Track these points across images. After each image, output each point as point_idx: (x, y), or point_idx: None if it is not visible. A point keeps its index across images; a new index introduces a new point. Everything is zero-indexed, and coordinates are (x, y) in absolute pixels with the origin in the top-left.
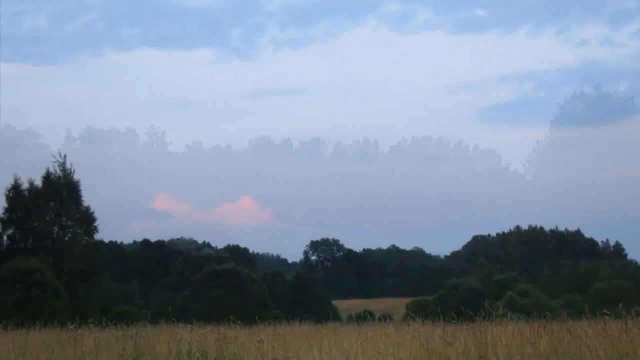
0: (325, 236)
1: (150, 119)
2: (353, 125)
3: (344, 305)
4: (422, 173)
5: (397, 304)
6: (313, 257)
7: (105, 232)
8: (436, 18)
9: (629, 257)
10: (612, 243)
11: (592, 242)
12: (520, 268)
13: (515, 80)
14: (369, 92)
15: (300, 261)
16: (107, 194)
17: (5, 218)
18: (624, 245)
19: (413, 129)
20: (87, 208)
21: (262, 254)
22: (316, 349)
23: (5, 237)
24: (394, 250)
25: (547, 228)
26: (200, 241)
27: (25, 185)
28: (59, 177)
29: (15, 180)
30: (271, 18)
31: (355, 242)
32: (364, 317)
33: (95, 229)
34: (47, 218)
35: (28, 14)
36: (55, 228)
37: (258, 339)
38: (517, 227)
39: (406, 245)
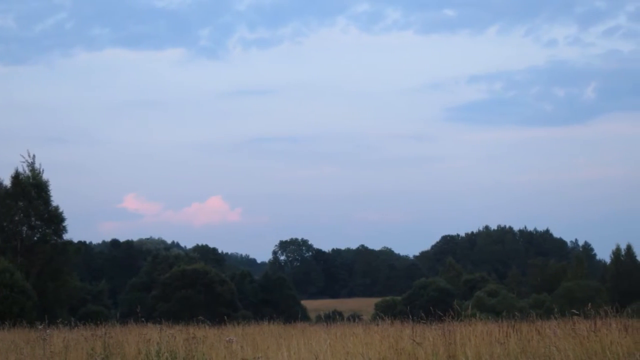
0: (294, 236)
1: (120, 118)
2: (323, 125)
3: (312, 305)
4: (392, 172)
5: (366, 304)
6: (282, 257)
7: (74, 232)
8: (405, 18)
9: (597, 257)
10: (581, 243)
11: (561, 242)
12: (489, 268)
13: (484, 80)
14: (339, 92)
15: (269, 261)
16: (76, 194)
17: None
18: (593, 245)
19: (382, 128)
20: (56, 208)
21: (231, 254)
22: (285, 348)
23: None
24: (362, 250)
25: (516, 228)
26: (169, 241)
27: None
28: (27, 177)
29: None
30: (240, 18)
31: (324, 242)
32: (332, 317)
33: (64, 229)
34: (16, 218)
35: None
36: (24, 228)
37: (227, 338)
38: (486, 227)
39: (375, 245)
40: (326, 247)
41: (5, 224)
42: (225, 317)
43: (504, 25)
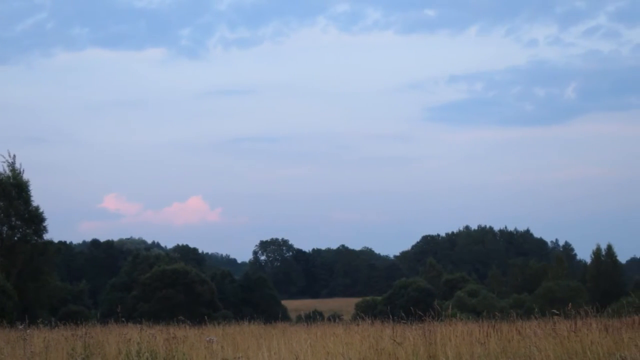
0: (274, 236)
1: (100, 118)
2: (303, 125)
3: (293, 305)
4: (372, 172)
5: (346, 304)
6: (262, 257)
7: (55, 232)
8: (385, 18)
9: (578, 257)
10: (561, 243)
11: (541, 242)
12: (469, 268)
13: (464, 80)
14: (319, 92)
15: (249, 261)
16: (56, 194)
17: None
18: (573, 245)
19: (363, 128)
20: (37, 208)
21: (212, 254)
22: (265, 349)
23: None
24: (343, 250)
25: (496, 228)
26: (149, 241)
27: None
28: (8, 177)
29: None
30: (221, 18)
31: (305, 242)
32: (313, 317)
33: (44, 229)
34: None
35: None
36: (5, 228)
37: (207, 338)
38: (467, 227)
39: (355, 245)
40: (306, 247)
41: None
42: (206, 317)
43: (484, 26)
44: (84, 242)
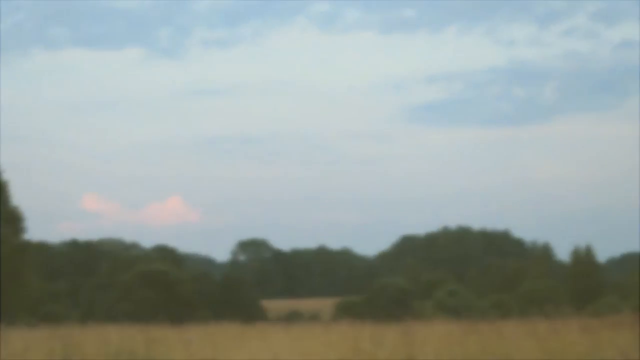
0: (253, 236)
1: (80, 118)
2: (283, 125)
3: (272, 305)
4: (351, 172)
5: (326, 304)
6: (241, 258)
7: (34, 232)
8: (365, 18)
9: (557, 257)
10: (540, 243)
11: (520, 242)
12: (448, 268)
13: (444, 80)
14: (298, 92)
15: (228, 261)
16: (36, 194)
17: None
18: (553, 245)
19: (341, 128)
20: (16, 208)
21: (191, 254)
22: (244, 349)
23: None
24: (322, 250)
25: (475, 228)
26: (128, 241)
27: None
28: None
29: None
30: (200, 18)
31: (284, 242)
32: (292, 317)
33: (23, 229)
34: None
35: None
36: None
37: (186, 339)
38: (445, 227)
39: (334, 245)
40: (285, 247)
41: None
42: (185, 317)
43: (463, 25)
44: (63, 242)
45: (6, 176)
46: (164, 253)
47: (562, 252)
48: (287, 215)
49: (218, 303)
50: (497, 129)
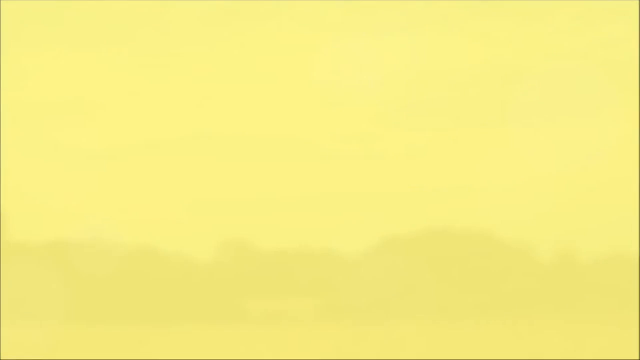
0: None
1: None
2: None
3: None
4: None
5: None
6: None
7: None
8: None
9: (542, 256)
10: (526, 241)
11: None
12: None
13: (434, 79)
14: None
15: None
16: None
17: None
18: (538, 244)
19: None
20: None
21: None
22: None
23: None
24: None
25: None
26: None
27: None
28: None
29: None
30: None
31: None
32: None
33: None
34: None
35: None
36: None
37: None
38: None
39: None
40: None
41: None
42: None
43: (454, 24)
44: None
45: None
46: None
47: (548, 252)
48: (275, 215)
49: None
50: (488, 128)
